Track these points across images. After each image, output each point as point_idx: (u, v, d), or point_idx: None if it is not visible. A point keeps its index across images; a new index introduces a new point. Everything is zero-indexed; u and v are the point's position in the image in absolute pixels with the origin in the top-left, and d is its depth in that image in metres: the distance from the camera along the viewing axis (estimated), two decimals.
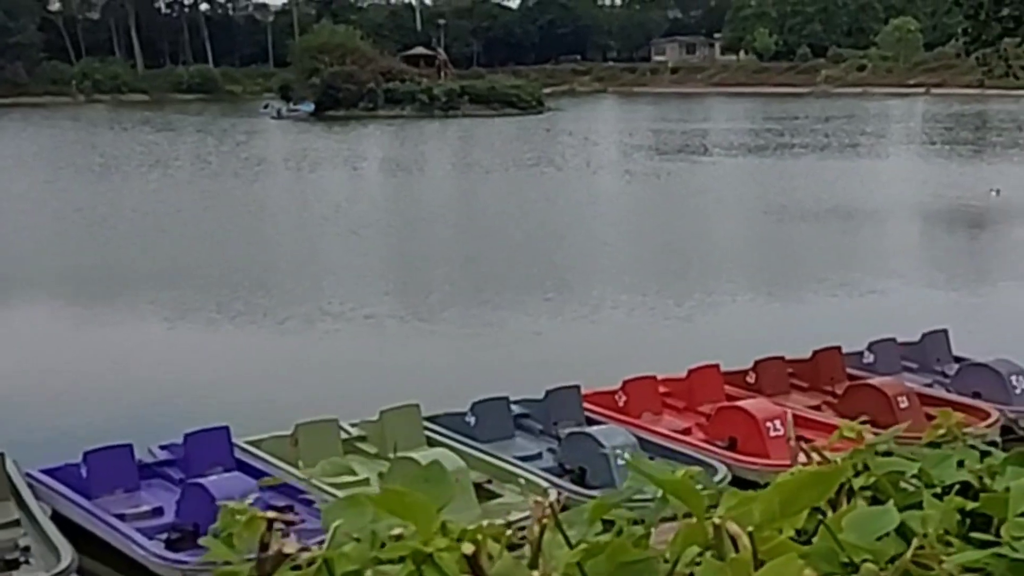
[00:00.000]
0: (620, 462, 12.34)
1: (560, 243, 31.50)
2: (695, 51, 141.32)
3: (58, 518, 11.95)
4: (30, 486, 12.35)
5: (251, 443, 13.62)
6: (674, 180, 47.00)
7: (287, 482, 12.15)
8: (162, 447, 13.67)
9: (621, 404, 15.12)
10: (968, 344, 17.33)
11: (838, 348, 16.52)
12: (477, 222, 36.66)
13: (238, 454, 13.26)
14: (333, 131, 74.40)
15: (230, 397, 16.71)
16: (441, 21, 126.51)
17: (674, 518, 1.43)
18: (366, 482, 12.88)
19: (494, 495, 12.50)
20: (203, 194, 42.79)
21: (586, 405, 14.75)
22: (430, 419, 14.27)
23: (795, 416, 13.97)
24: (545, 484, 12.24)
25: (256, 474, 12.32)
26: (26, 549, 11.01)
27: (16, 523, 11.58)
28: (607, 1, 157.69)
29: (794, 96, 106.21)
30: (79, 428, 15.06)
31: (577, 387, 14.78)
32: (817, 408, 15.28)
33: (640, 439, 13.21)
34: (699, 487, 1.73)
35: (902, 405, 13.93)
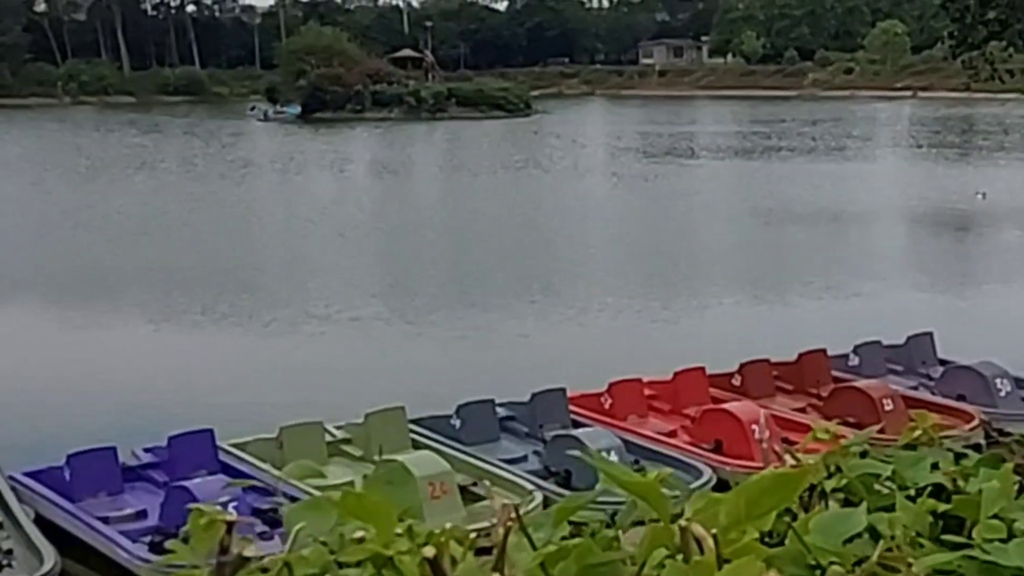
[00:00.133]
0: None
1: (547, 246, 31.52)
2: (683, 54, 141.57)
3: (41, 521, 11.87)
4: (13, 489, 12.27)
5: (235, 446, 13.57)
6: (661, 183, 47.05)
7: (271, 484, 12.10)
8: (146, 450, 13.60)
9: (607, 407, 15.11)
10: (953, 347, 17.38)
11: (823, 351, 16.55)
12: (464, 225, 36.66)
13: (222, 457, 13.21)
14: (320, 133, 74.33)
15: (215, 399, 16.64)
16: (428, 23, 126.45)
17: (658, 520, 1.42)
18: (350, 485, 12.84)
19: (480, 498, 12.48)
20: (189, 196, 42.70)
21: (572, 408, 14.74)
22: (415, 422, 14.24)
23: (780, 418, 14.01)
24: (530, 487, 12.24)
25: (240, 477, 12.27)
26: (8, 552, 10.95)
27: None
28: (595, 4, 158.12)
29: (781, 99, 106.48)
30: (62, 430, 14.98)
31: (563, 390, 14.77)
32: (802, 410, 15.30)
33: (625, 441, 13.22)
34: (672, 490, 1.73)
35: (887, 407, 13.96)
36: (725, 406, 14.14)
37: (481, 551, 1.39)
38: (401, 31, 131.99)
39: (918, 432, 2.29)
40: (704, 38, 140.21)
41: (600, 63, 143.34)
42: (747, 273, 28.36)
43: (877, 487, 1.92)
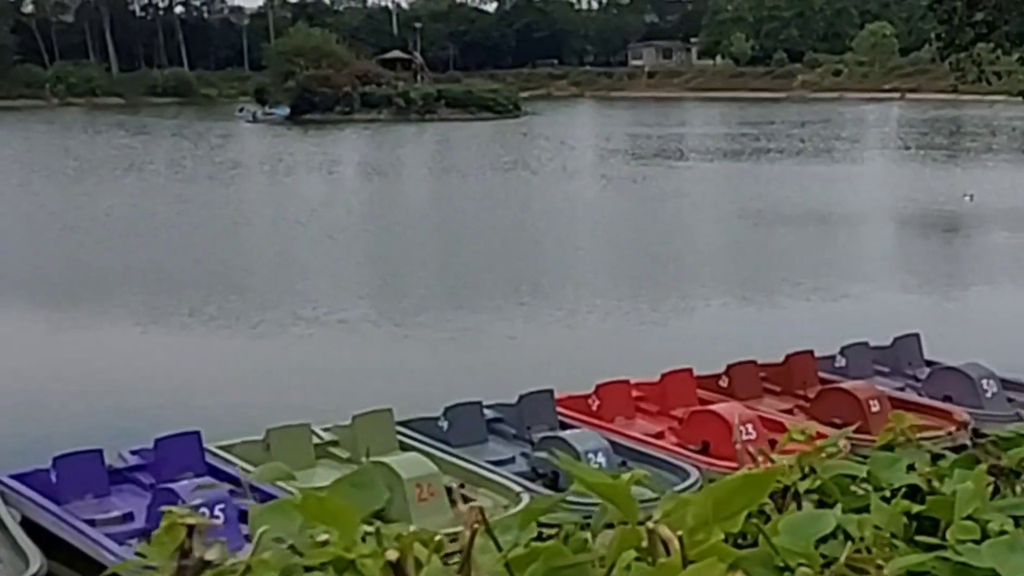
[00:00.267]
0: (593, 466, 12.34)
1: (535, 247, 31.52)
2: (672, 56, 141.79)
3: (27, 524, 11.82)
4: None
5: (222, 448, 13.53)
6: (650, 184, 47.09)
7: (257, 486, 12.07)
8: (132, 452, 13.54)
9: (594, 408, 15.11)
10: (940, 348, 17.42)
11: (810, 352, 16.57)
12: (453, 226, 36.64)
13: (209, 459, 13.16)
14: (309, 135, 74.25)
15: (202, 401, 16.61)
16: (417, 24, 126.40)
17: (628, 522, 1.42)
18: None
19: (466, 500, 12.46)
20: (177, 198, 42.59)
21: (559, 409, 14.73)
22: (403, 424, 14.21)
23: (767, 420, 14.02)
24: (518, 488, 12.23)
25: (227, 479, 12.24)
26: None
27: None
28: (584, 5, 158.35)
29: (770, 101, 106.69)
30: (48, 433, 14.93)
31: (550, 391, 14.76)
32: (789, 412, 15.31)
33: (613, 443, 13.21)
34: (649, 491, 1.73)
35: (873, 409, 13.98)
36: (712, 407, 14.15)
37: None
38: (390, 32, 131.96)
39: (896, 433, 2.28)
40: (693, 40, 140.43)
41: (589, 64, 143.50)
42: (735, 275, 28.39)
43: (853, 488, 1.92)
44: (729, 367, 16.17)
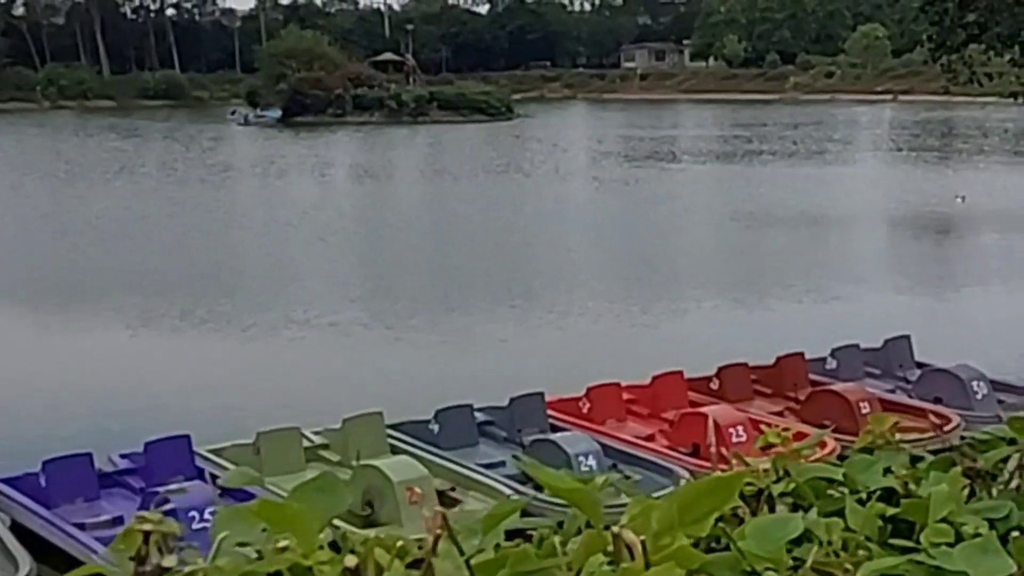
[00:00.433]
0: (584, 468, 12.34)
1: (527, 250, 31.52)
2: (664, 58, 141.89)
3: (16, 528, 11.79)
4: None
5: (213, 451, 13.51)
6: (642, 187, 47.12)
7: (247, 490, 12.04)
8: (122, 456, 13.52)
9: (585, 411, 15.11)
10: (931, 350, 17.45)
11: (801, 354, 16.60)
12: (445, 229, 36.62)
13: (199, 463, 13.14)
14: (301, 137, 74.18)
15: (192, 405, 16.58)
16: (410, 27, 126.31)
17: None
18: None
19: (457, 503, 12.46)
20: (169, 201, 42.52)
21: (550, 412, 14.73)
22: (393, 427, 14.20)
23: (758, 422, 14.02)
24: (508, 491, 12.21)
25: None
26: None
27: None
28: (577, 7, 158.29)
29: (763, 103, 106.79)
30: (38, 436, 14.89)
31: (541, 394, 14.76)
32: (780, 414, 15.31)
33: (604, 446, 13.21)
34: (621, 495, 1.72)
35: (864, 411, 13.98)
36: (703, 410, 14.15)
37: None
38: (382, 34, 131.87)
39: (876, 435, 2.27)
40: (686, 42, 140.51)
41: (582, 66, 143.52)
42: (727, 277, 28.41)
43: (830, 491, 1.91)
44: (720, 369, 16.18)
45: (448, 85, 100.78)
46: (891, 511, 1.75)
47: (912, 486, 1.87)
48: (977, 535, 1.64)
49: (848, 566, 1.44)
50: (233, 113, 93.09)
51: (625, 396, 15.55)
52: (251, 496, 11.96)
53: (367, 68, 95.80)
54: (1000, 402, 15.37)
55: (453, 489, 12.69)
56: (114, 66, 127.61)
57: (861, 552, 1.63)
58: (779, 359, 16.47)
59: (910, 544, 1.65)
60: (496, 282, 26.79)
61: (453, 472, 13.05)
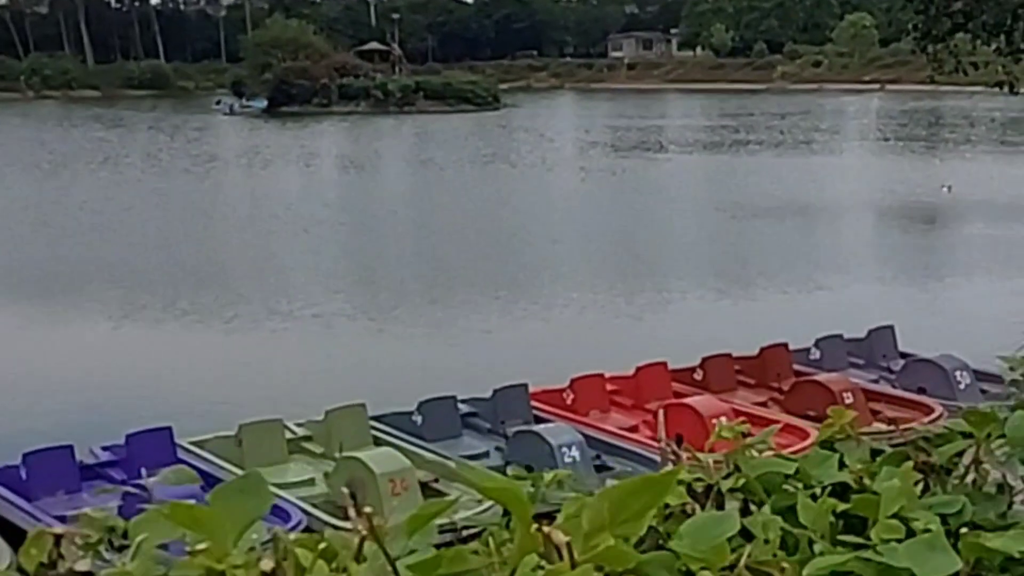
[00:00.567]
0: (567, 460, 12.33)
1: (513, 241, 31.47)
2: (652, 47, 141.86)
3: None
4: None
5: (195, 443, 13.46)
6: (629, 177, 47.10)
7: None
8: (104, 448, 13.47)
9: (569, 402, 15.10)
10: (915, 340, 17.48)
11: (785, 345, 16.61)
12: (430, 220, 36.54)
13: (181, 455, 13.08)
14: (286, 127, 73.96)
15: (174, 397, 16.52)
16: (396, 16, 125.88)
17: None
18: (311, 483, 12.79)
19: (441, 494, 12.44)
20: (153, 191, 42.39)
21: (534, 403, 14.72)
22: (376, 418, 14.17)
23: (742, 412, 14.02)
24: None
25: (200, 475, 12.15)
26: None
27: None
28: None
29: (750, 92, 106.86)
30: (18, 428, 14.82)
31: (525, 385, 14.75)
32: (763, 404, 15.35)
33: (587, 437, 13.18)
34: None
35: (847, 401, 13.99)
36: (686, 400, 14.15)
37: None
38: (368, 24, 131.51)
39: (836, 429, 2.25)
40: (673, 31, 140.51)
41: (569, 56, 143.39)
42: (712, 267, 28.44)
43: (786, 486, 1.88)
44: (704, 360, 16.20)
45: (434, 75, 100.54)
46: (843, 507, 1.72)
47: (867, 481, 1.85)
48: (927, 531, 1.62)
49: (785, 565, 1.41)
50: (218, 103, 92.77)
51: (609, 387, 15.55)
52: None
53: (353, 58, 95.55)
54: (983, 392, 15.38)
55: (436, 481, 12.66)
56: (98, 55, 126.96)
57: (809, 549, 1.60)
58: (763, 350, 16.48)
59: (860, 541, 1.62)
60: (480, 273, 26.76)
61: (436, 464, 13.03)
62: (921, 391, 15.33)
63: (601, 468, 12.79)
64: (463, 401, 14.71)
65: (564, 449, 12.51)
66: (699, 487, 1.74)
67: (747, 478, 1.74)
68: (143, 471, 12.24)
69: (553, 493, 1.88)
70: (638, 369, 15.65)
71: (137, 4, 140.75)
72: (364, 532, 1.15)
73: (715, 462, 1.84)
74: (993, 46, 19.26)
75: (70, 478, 12.65)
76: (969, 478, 1.88)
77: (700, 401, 14.03)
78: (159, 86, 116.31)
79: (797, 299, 24.03)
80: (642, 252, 30.09)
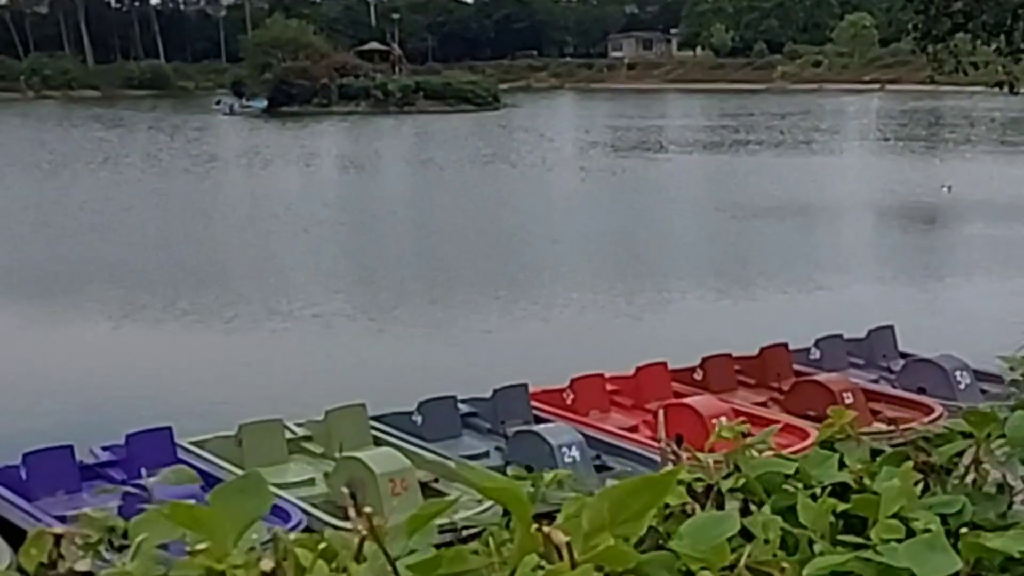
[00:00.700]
0: (567, 460, 12.33)
1: (513, 241, 31.46)
2: (652, 47, 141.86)
3: None
4: None
5: (195, 443, 13.47)
6: (629, 177, 47.09)
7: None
8: (104, 448, 13.47)
9: (569, 402, 15.10)
10: (915, 340, 17.48)
11: (785, 345, 16.61)
12: (430, 220, 36.54)
13: (181, 455, 13.08)
14: (286, 127, 73.96)
15: (174, 397, 16.52)
16: (396, 16, 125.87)
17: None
18: (311, 483, 12.80)
19: (441, 494, 12.43)
20: (153, 191, 42.40)
21: (534, 403, 14.72)
22: (376, 418, 14.17)
23: (742, 412, 14.02)
24: None
25: (200, 475, 12.15)
26: None
27: None
28: None
29: (750, 92, 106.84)
30: (19, 428, 14.82)
31: (525, 385, 14.75)
32: (763, 404, 15.35)
33: (587, 437, 13.19)
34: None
35: (847, 401, 13.99)
36: (686, 400, 14.15)
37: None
38: (368, 24, 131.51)
39: (836, 429, 2.25)
40: (673, 31, 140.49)
41: (569, 56, 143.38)
42: (712, 267, 28.43)
43: (786, 487, 1.88)
44: (704, 360, 16.20)
45: (434, 75, 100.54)
46: (843, 507, 1.72)
47: (867, 481, 1.85)
48: (927, 531, 1.62)
49: (785, 565, 1.41)
50: (218, 103, 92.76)
51: (609, 387, 15.55)
52: None
53: (353, 58, 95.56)
54: (983, 392, 15.38)
55: (436, 481, 12.67)
56: (98, 55, 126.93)
57: (809, 549, 1.60)
58: (763, 350, 16.48)
59: (860, 541, 1.63)
60: (480, 273, 26.76)
61: (436, 464, 13.03)
62: (921, 391, 15.33)
63: (601, 468, 12.79)
64: (463, 401, 14.71)
65: (564, 449, 12.51)
66: (699, 487, 1.74)
67: (747, 478, 1.74)
68: (143, 471, 12.26)
69: (553, 493, 1.88)
70: (638, 369, 15.65)
71: (137, 4, 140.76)
72: (364, 532, 1.15)
73: (715, 462, 1.85)
74: (993, 46, 19.25)
75: (70, 478, 12.65)
76: (969, 478, 1.88)
77: (700, 401, 14.03)
78: (159, 86, 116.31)
79: (797, 299, 24.03)
80: (642, 252, 30.09)
